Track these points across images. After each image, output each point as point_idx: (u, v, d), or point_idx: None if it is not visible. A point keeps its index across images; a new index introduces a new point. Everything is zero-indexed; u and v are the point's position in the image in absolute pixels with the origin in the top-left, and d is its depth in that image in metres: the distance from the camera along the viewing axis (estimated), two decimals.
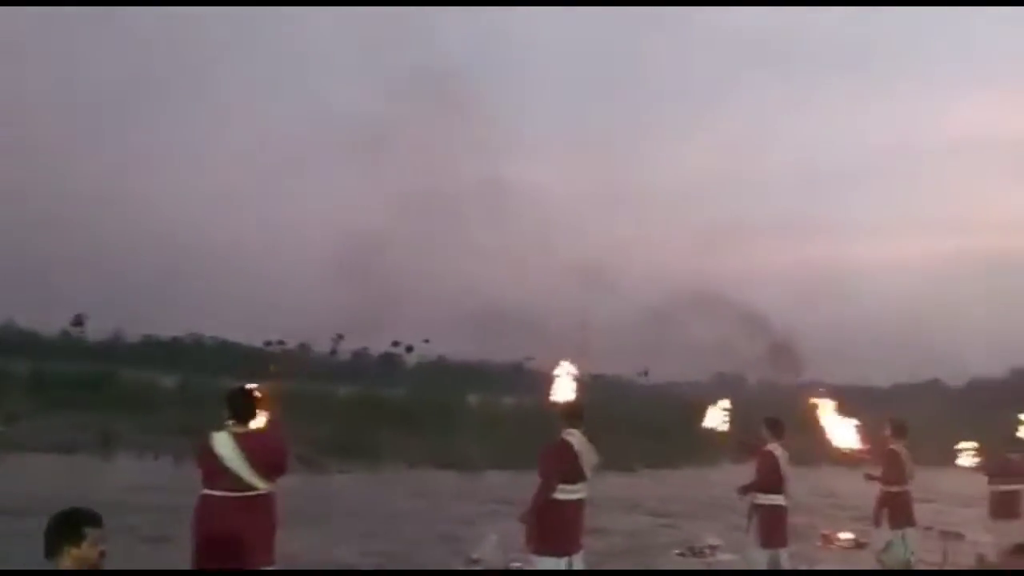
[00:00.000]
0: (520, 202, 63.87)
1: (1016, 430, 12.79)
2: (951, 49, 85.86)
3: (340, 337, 44.50)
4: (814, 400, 10.81)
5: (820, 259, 73.09)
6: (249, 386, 6.72)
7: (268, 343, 42.78)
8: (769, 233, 78.62)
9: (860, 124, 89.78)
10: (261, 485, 6.17)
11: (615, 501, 16.55)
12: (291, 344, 44.08)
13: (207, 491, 6.18)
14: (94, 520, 4.07)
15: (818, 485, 19.67)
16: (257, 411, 6.46)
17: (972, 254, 75.88)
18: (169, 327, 51.52)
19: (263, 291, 49.39)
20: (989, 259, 72.54)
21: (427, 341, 42.74)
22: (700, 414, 10.42)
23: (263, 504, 6.21)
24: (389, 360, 47.03)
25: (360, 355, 49.66)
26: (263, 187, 63.04)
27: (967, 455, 12.79)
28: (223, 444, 6.17)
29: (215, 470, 6.14)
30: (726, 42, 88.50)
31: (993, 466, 12.07)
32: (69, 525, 4.02)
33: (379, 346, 47.78)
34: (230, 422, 6.31)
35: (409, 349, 44.86)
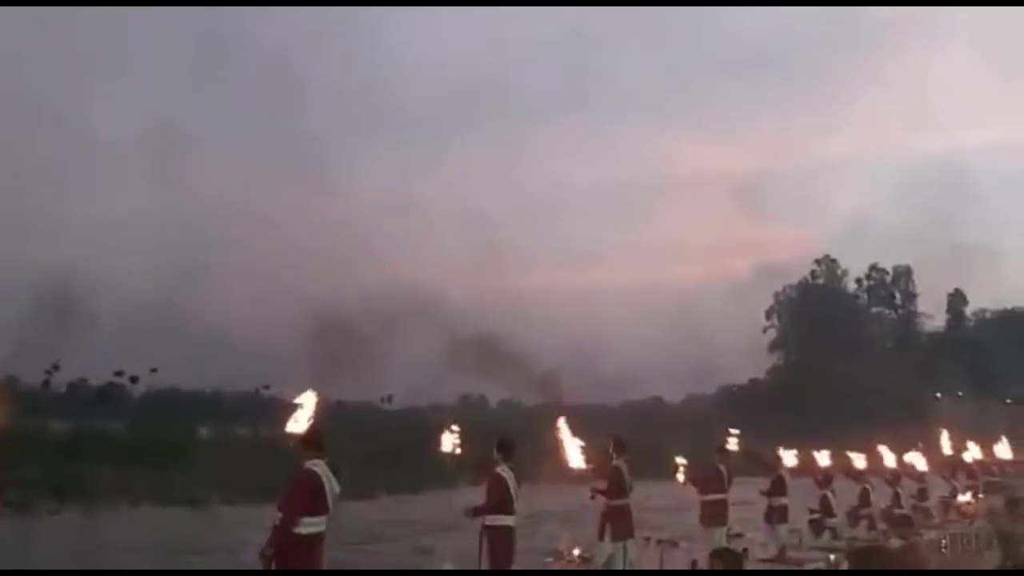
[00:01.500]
0: (247, 228, 61.76)
1: (725, 443, 13.89)
2: (672, 93, 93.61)
3: (55, 368, 40.37)
4: (555, 420, 11.22)
5: (543, 286, 76.28)
6: None
7: None
8: (494, 262, 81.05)
9: (581, 162, 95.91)
10: None
11: (354, 531, 16.34)
12: None
13: None
14: None
15: (550, 502, 20.41)
16: None
17: (687, 281, 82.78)
18: None
19: None
20: (700, 284, 79.23)
21: (155, 370, 39.86)
22: (439, 438, 10.49)
23: None
24: (111, 392, 43.36)
25: (77, 387, 45.40)
26: None
27: (681, 469, 13.72)
28: None
29: None
30: (453, 82, 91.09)
31: (702, 478, 13.07)
32: None
33: (100, 377, 43.92)
34: None
35: (134, 380, 41.56)
